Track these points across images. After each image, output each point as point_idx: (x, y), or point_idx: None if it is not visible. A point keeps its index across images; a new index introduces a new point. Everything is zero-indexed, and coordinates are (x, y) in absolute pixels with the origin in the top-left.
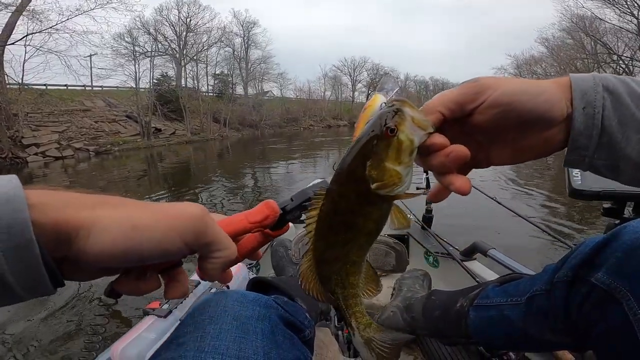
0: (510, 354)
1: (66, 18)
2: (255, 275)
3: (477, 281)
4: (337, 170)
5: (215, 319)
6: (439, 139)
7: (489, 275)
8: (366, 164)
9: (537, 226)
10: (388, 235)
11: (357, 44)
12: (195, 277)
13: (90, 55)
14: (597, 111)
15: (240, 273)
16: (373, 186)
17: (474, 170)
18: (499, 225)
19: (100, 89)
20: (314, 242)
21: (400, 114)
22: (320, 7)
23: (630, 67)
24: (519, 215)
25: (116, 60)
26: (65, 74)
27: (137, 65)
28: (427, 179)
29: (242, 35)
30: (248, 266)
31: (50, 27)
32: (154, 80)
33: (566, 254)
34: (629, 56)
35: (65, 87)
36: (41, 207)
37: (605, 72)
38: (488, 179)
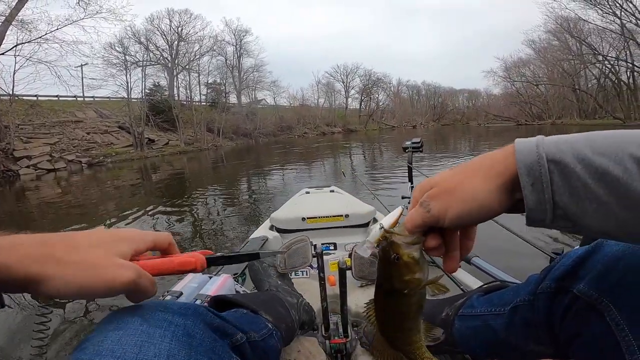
0: None
1: (55, 28)
2: (238, 286)
3: (461, 289)
4: (376, 290)
5: (121, 326)
6: (432, 242)
7: (472, 282)
8: (394, 284)
9: (518, 235)
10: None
11: (349, 51)
12: (177, 287)
13: (81, 66)
14: (546, 186)
15: (226, 284)
16: (405, 292)
17: None
18: (482, 233)
19: (91, 99)
20: (380, 329)
21: (394, 244)
22: (312, 15)
23: (617, 66)
24: (501, 225)
25: (107, 70)
26: (56, 85)
27: (128, 75)
28: (412, 188)
29: (234, 44)
30: (233, 276)
31: (40, 37)
32: (146, 90)
33: (549, 265)
34: (615, 56)
35: (56, 98)
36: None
37: (592, 73)
38: None
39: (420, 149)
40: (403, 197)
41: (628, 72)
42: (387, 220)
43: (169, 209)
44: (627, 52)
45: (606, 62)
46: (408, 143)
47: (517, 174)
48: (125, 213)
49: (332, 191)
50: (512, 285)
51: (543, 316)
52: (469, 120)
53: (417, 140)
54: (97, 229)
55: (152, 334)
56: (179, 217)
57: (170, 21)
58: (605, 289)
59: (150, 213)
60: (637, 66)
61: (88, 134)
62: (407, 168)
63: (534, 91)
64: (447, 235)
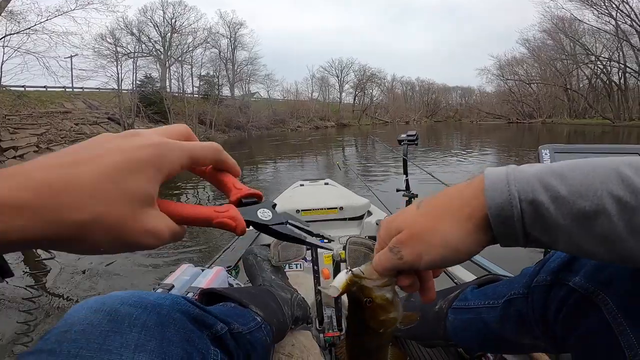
0: (489, 355)
1: (45, 19)
2: (232, 279)
3: (455, 282)
4: (352, 333)
5: (88, 315)
6: (405, 282)
7: (464, 274)
8: (368, 325)
9: None
10: (368, 237)
11: (344, 46)
12: (168, 280)
13: (71, 57)
14: (518, 224)
15: (219, 277)
16: (381, 331)
17: (460, 168)
18: None
19: (81, 90)
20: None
21: (365, 288)
22: (309, 8)
23: (608, 67)
24: None
25: (97, 62)
26: (44, 76)
27: (119, 67)
28: (407, 180)
29: (229, 37)
30: (227, 268)
31: (29, 28)
32: (137, 82)
33: (544, 258)
34: (607, 57)
35: (44, 89)
36: None
37: (584, 73)
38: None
39: (416, 142)
40: (398, 190)
41: (620, 73)
42: (337, 282)
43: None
44: (620, 53)
45: (598, 63)
46: (403, 136)
47: (487, 214)
48: None
49: (326, 184)
50: (506, 279)
51: (538, 309)
52: (461, 117)
53: (413, 133)
54: (97, 143)
55: (120, 324)
56: None
57: (164, 13)
58: (602, 281)
59: None
60: (629, 67)
61: (76, 124)
62: (402, 161)
63: (526, 90)
64: (421, 271)
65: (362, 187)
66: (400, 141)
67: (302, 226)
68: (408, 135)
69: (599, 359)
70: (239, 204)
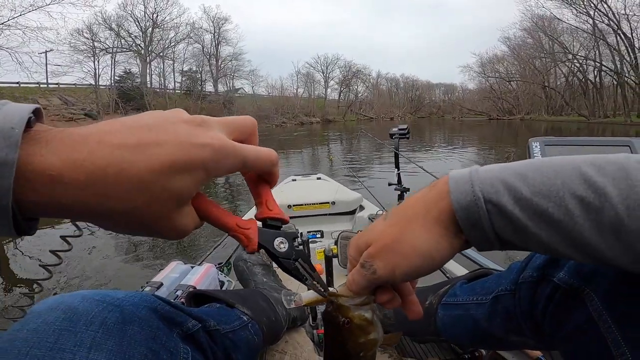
0: (482, 350)
1: (19, 14)
2: (223, 275)
3: (446, 276)
4: (326, 356)
5: (45, 314)
6: (384, 297)
7: (455, 268)
8: (347, 348)
9: None
10: (359, 232)
11: (330, 42)
12: (157, 278)
13: (45, 52)
14: (487, 226)
15: (209, 274)
16: (361, 354)
17: (469, 159)
18: None
19: (56, 86)
20: None
21: (342, 308)
22: (294, 4)
23: (585, 65)
24: None
25: (73, 57)
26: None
27: (96, 62)
28: (399, 174)
29: (213, 32)
30: (217, 265)
31: (2, 24)
32: (116, 77)
33: (531, 253)
34: (584, 55)
35: (17, 85)
36: None
37: (561, 71)
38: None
39: (407, 136)
40: (390, 184)
41: (595, 71)
42: (305, 296)
43: None
44: (596, 51)
45: (575, 61)
46: (395, 130)
47: (455, 215)
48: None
49: (318, 178)
50: (495, 274)
51: (525, 306)
52: (444, 113)
53: (404, 127)
54: (164, 122)
55: (75, 323)
56: None
57: (145, 7)
58: (586, 277)
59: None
60: (604, 65)
61: (51, 121)
62: (393, 154)
63: (507, 87)
64: (398, 285)
65: (354, 181)
66: (391, 135)
67: (309, 270)
68: (399, 129)
69: (586, 356)
70: (263, 222)
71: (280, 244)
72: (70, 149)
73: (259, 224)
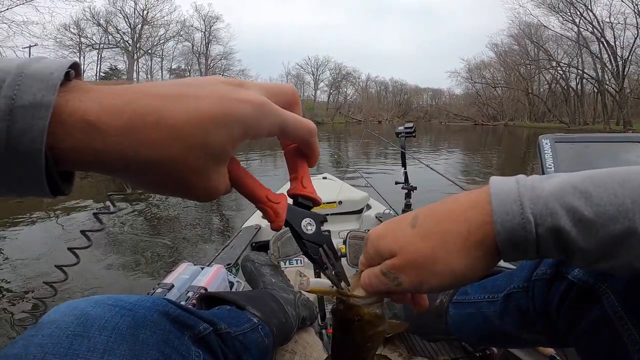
0: (493, 348)
1: (6, 8)
2: (232, 276)
3: None
4: (334, 345)
5: (58, 320)
6: (397, 296)
7: None
8: (355, 340)
9: None
10: (367, 230)
11: (320, 44)
12: (168, 279)
13: (29, 47)
14: (532, 250)
15: (219, 275)
16: (368, 345)
17: (455, 162)
18: None
19: None
20: None
21: (355, 307)
22: (287, 5)
23: (567, 73)
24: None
25: (59, 52)
26: None
27: (82, 58)
28: (405, 173)
29: (203, 30)
30: (226, 266)
31: None
32: (102, 74)
33: None
34: (567, 63)
35: None
36: None
37: (545, 78)
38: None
39: (414, 134)
40: (397, 183)
41: (577, 79)
42: (318, 283)
43: (138, 205)
44: (579, 59)
45: (559, 69)
46: (401, 128)
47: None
48: (73, 203)
49: (324, 178)
50: (506, 271)
51: (539, 304)
52: (431, 118)
53: (410, 125)
54: (204, 82)
55: (88, 328)
56: (147, 209)
57: (136, 3)
58: (602, 274)
59: (101, 205)
60: (586, 73)
61: None
62: (400, 153)
63: (492, 93)
64: None
65: (360, 180)
66: (398, 134)
67: (332, 259)
68: (406, 128)
69: (602, 353)
70: (294, 199)
71: (308, 225)
72: (110, 96)
73: (290, 200)
